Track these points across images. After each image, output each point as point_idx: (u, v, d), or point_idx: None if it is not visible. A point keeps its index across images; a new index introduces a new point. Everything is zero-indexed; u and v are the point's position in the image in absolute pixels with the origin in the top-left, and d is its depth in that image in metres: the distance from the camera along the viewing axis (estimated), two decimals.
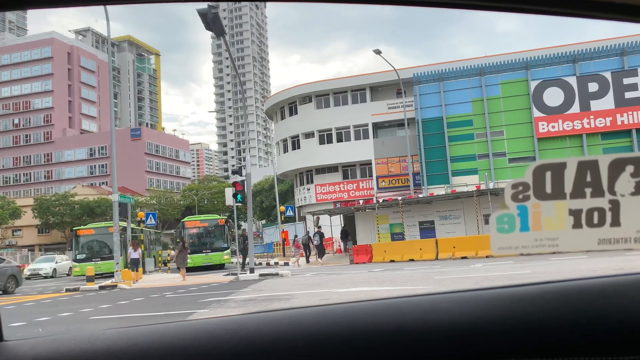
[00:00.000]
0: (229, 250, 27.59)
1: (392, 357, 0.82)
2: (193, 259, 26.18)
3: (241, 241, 22.47)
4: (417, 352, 0.81)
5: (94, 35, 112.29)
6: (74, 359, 0.87)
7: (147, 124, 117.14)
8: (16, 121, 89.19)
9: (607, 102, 30.88)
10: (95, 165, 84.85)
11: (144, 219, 26.02)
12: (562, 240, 0.78)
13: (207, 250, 26.90)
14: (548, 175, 0.78)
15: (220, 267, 26.90)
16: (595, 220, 0.77)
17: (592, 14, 0.78)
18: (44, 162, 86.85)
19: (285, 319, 0.90)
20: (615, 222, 0.77)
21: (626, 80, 30.64)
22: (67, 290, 17.98)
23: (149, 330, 0.93)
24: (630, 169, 0.76)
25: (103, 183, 79.64)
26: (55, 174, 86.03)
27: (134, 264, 20.00)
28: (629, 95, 30.60)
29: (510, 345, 0.79)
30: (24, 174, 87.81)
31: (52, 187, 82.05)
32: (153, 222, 27.17)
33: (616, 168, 0.76)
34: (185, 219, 29.53)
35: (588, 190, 0.77)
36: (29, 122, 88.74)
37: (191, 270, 25.92)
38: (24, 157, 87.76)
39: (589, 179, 0.77)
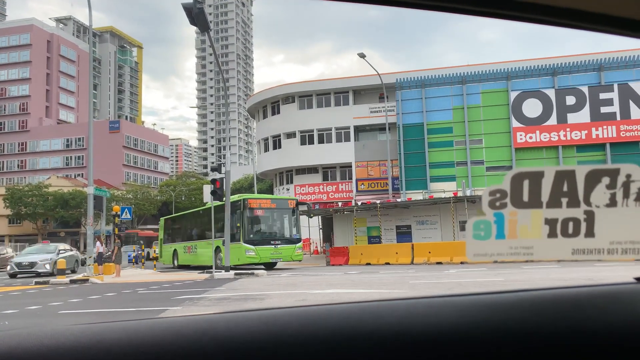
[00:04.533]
0: (301, 243, 21.77)
1: None
2: (259, 253, 19.81)
3: None
4: (391, 356, 0.80)
5: (76, 24, 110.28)
6: (35, 354, 0.84)
7: (126, 116, 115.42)
8: None
9: (583, 115, 31.59)
10: (71, 157, 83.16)
11: (119, 213, 25.55)
12: (537, 249, 0.79)
13: (277, 242, 20.39)
14: (526, 183, 0.78)
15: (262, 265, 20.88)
16: (570, 230, 0.78)
17: (575, 24, 0.78)
18: (18, 151, 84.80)
19: (258, 320, 0.88)
20: (590, 233, 0.78)
21: (602, 95, 31.38)
22: (36, 283, 17.59)
23: (115, 327, 0.90)
24: (606, 180, 0.77)
25: (79, 175, 78.10)
26: (30, 164, 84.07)
27: (99, 258, 20.48)
28: (604, 110, 31.36)
29: (484, 352, 0.79)
30: None
31: (25, 177, 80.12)
32: (128, 216, 26.64)
33: (592, 179, 0.77)
34: (246, 195, 21.92)
35: (564, 200, 0.78)
36: (4, 110, 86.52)
37: (253, 267, 20.60)
38: None
39: (565, 188, 0.78)
